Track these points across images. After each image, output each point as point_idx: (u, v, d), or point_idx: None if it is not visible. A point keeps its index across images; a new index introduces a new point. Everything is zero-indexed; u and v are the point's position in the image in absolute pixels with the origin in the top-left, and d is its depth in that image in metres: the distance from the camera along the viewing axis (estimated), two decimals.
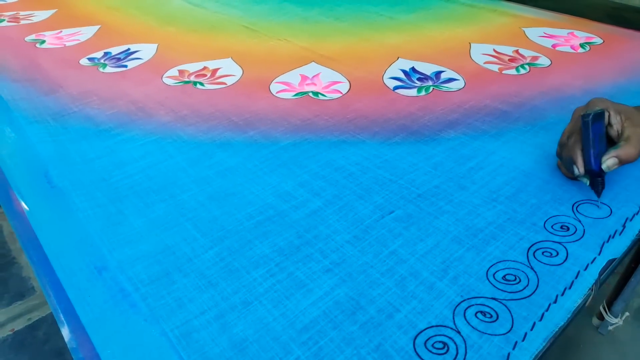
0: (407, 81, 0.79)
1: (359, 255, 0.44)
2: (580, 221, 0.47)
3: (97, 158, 0.61)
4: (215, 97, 0.76)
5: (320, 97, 0.75)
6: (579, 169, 0.49)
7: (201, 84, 0.80)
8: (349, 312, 0.39)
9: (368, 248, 0.45)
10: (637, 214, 0.48)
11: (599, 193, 0.49)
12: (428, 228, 0.47)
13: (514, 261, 0.43)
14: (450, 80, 0.79)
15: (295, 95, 0.76)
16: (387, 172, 0.56)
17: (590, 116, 0.48)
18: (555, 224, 0.47)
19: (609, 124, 0.50)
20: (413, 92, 0.76)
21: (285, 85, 0.79)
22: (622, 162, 0.48)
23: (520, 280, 0.41)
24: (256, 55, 0.92)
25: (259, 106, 0.72)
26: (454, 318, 0.38)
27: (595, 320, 0.99)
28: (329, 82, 0.80)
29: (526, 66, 0.83)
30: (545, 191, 0.52)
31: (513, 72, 0.81)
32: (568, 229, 0.47)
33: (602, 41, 0.93)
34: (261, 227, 0.48)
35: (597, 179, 0.49)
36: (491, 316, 0.38)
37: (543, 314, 0.38)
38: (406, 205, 0.51)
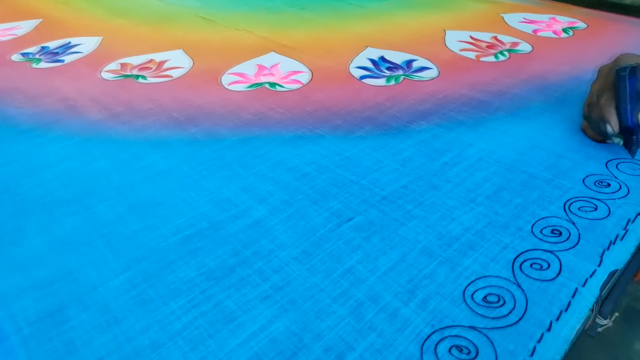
0: (376, 70, 0.71)
1: (306, 276, 0.36)
2: (574, 223, 0.40)
3: (7, 164, 0.51)
4: (157, 91, 0.67)
5: (278, 88, 0.67)
6: (614, 127, 0.46)
7: (143, 77, 0.71)
8: (289, 354, 0.30)
9: (319, 266, 0.37)
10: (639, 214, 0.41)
11: (633, 153, 0.47)
12: (393, 237, 0.39)
13: (496, 277, 0.35)
14: (422, 69, 0.71)
15: (250, 87, 0.67)
16: (348, 172, 0.48)
17: (628, 70, 0.46)
18: (545, 227, 0.39)
19: None
20: (381, 82, 0.68)
21: (239, 77, 0.70)
22: None
23: (504, 302, 0.33)
24: (210, 46, 0.83)
25: (206, 100, 0.63)
26: (422, 357, 0.30)
27: None
28: (289, 72, 0.72)
29: (506, 53, 0.76)
30: (532, 188, 0.44)
31: (491, 59, 0.74)
32: (560, 233, 0.39)
33: (586, 26, 0.86)
34: (189, 243, 0.39)
35: (632, 138, 0.46)
36: (469, 352, 0.30)
37: (534, 348, 0.30)
38: (368, 210, 0.42)
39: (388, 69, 0.72)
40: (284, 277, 0.36)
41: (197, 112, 0.60)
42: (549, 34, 0.83)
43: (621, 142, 0.49)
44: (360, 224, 0.41)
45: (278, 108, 0.61)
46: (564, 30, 0.84)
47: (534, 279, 0.35)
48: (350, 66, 0.73)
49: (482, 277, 0.35)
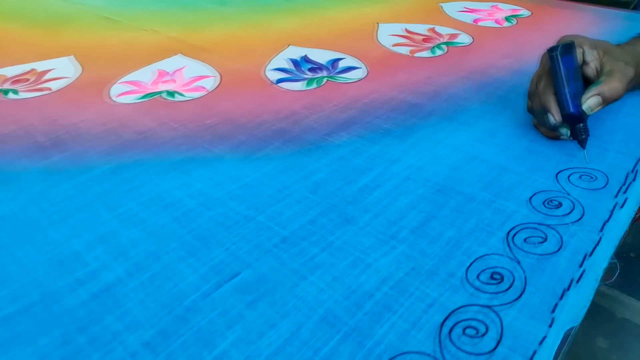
0: (295, 72, 0.61)
1: None
2: (519, 262, 0.31)
3: None
4: (26, 109, 0.54)
5: (177, 97, 0.56)
6: (554, 116, 0.40)
7: (14, 92, 0.58)
8: None
9: (178, 354, 0.26)
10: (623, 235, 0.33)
11: (583, 143, 0.41)
12: (287, 300, 0.29)
13: (417, 352, 0.26)
14: (349, 69, 0.62)
15: (142, 97, 0.56)
16: (244, 204, 0.38)
17: (558, 49, 0.40)
18: (483, 271, 0.31)
19: (584, 62, 0.42)
20: (300, 86, 0.58)
21: (132, 86, 0.59)
22: (606, 101, 0.40)
23: None
24: (107, 51, 0.71)
25: (84, 117, 0.52)
26: None
27: None
28: (193, 77, 0.61)
29: (443, 46, 0.68)
30: (467, 214, 0.36)
31: (427, 54, 0.65)
32: (502, 278, 0.30)
33: (530, 13, 0.79)
34: (4, 329, 0.28)
35: (578, 126, 0.40)
36: None
37: None
38: (261, 260, 0.32)
39: (310, 70, 0.62)
40: None
41: (68, 133, 0.49)
42: (490, 23, 0.75)
43: (568, 134, 0.41)
44: (246, 282, 0.31)
45: (171, 123, 0.50)
46: (507, 18, 0.77)
47: (466, 352, 0.26)
48: (267, 68, 0.63)
49: (399, 354, 0.26)
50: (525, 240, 0.33)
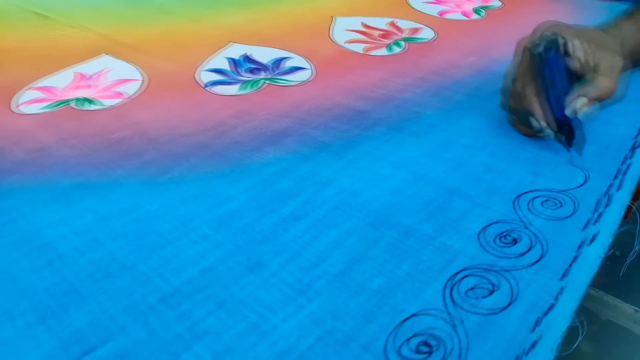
0: (232, 74, 0.54)
1: None
2: (459, 331, 0.24)
3: None
4: None
5: (89, 106, 0.48)
6: (539, 120, 0.35)
7: None
8: None
9: None
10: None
11: (569, 143, 0.35)
12: None
13: None
14: (294, 70, 0.55)
15: (49, 106, 0.48)
16: (127, 247, 0.30)
17: (542, 46, 0.35)
18: (411, 338, 0.24)
19: (566, 53, 0.36)
20: (234, 90, 0.50)
21: (43, 93, 0.51)
22: (598, 100, 0.35)
23: None
24: (25, 52, 0.63)
25: None
26: None
27: None
28: (114, 81, 0.53)
29: (402, 43, 0.60)
30: (402, 256, 0.28)
31: (383, 52, 0.58)
32: (429, 352, 0.23)
33: (501, 4, 0.72)
34: None
35: (564, 129, 0.35)
36: None
37: None
38: (127, 329, 0.25)
39: (250, 71, 0.54)
40: None
41: None
42: (457, 15, 0.68)
43: (552, 136, 0.36)
44: (105, 359, 0.24)
45: (71, 138, 0.43)
46: (475, 10, 0.70)
47: None
48: (200, 69, 0.55)
49: None
50: (468, 292, 0.26)
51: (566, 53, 0.36)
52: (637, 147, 0.38)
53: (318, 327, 0.25)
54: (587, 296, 0.34)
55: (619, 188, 0.33)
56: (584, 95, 0.35)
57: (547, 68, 0.35)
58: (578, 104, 0.35)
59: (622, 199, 0.32)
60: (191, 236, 0.31)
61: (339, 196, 0.34)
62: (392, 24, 0.66)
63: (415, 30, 0.64)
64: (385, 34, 0.63)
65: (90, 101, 0.49)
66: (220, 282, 0.28)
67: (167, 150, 0.41)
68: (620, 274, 0.35)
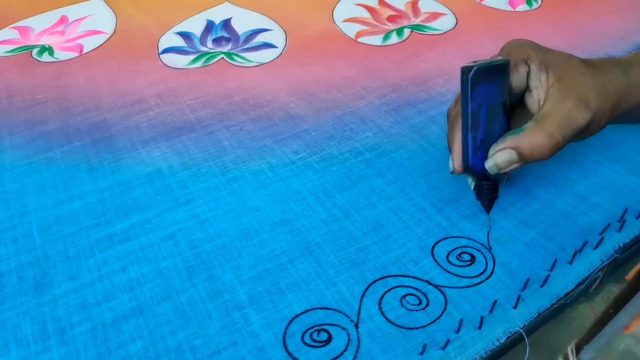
0: (194, 42, 0.49)
1: None
2: None
3: None
4: None
5: (45, 57, 0.47)
6: (453, 161, 0.28)
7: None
8: None
9: None
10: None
11: (487, 206, 0.28)
12: None
13: None
14: (261, 46, 0.48)
15: (11, 51, 0.49)
16: None
17: (473, 70, 0.25)
18: None
19: (528, 88, 0.27)
20: (183, 62, 0.46)
21: (18, 33, 0.52)
22: (523, 160, 0.26)
23: None
24: None
25: None
26: None
27: None
28: (85, 31, 0.51)
29: (406, 31, 0.50)
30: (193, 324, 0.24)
31: (376, 40, 0.49)
32: None
33: None
34: None
35: (482, 185, 0.28)
36: None
37: None
38: None
39: (215, 41, 0.49)
40: None
41: None
42: (500, 2, 0.55)
43: (473, 186, 0.29)
44: None
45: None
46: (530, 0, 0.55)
47: None
48: (170, 32, 0.51)
49: None
50: None
51: (527, 87, 0.26)
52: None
53: None
54: None
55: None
56: (513, 148, 0.25)
57: (474, 100, 0.26)
58: (502, 159, 0.25)
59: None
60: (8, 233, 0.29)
61: (184, 223, 0.30)
62: (413, 4, 0.55)
63: (435, 15, 0.52)
64: (395, 17, 0.53)
65: (49, 51, 0.48)
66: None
67: (62, 125, 0.38)
68: None
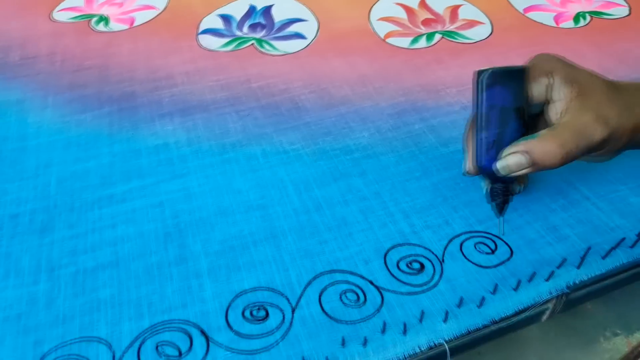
0: (231, 26, 0.52)
1: None
2: None
3: None
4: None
5: (98, 26, 0.53)
6: (466, 162, 0.29)
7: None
8: None
9: None
10: None
11: (498, 210, 0.29)
12: None
13: None
14: (291, 36, 0.50)
15: (76, 17, 0.54)
16: None
17: (487, 74, 0.27)
18: None
19: (549, 100, 0.27)
20: (218, 45, 0.49)
21: (83, 1, 0.57)
22: (534, 164, 0.26)
23: None
24: None
25: None
26: None
27: None
28: (140, 5, 0.56)
29: (436, 36, 0.50)
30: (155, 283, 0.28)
31: (405, 42, 0.49)
32: None
33: (627, 12, 0.53)
34: None
35: (495, 187, 0.29)
36: None
37: None
38: None
39: (251, 27, 0.52)
40: None
41: None
42: (546, 17, 0.53)
43: (486, 190, 0.29)
44: None
45: (58, 55, 0.48)
46: (578, 16, 0.53)
47: None
48: (215, 12, 0.55)
49: None
50: None
51: (550, 99, 0.27)
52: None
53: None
54: None
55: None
56: (525, 152, 0.26)
57: (487, 101, 0.27)
58: (512, 161, 0.26)
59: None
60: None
61: (173, 194, 0.33)
62: (453, 10, 0.54)
63: (472, 23, 0.52)
64: (430, 20, 0.52)
65: (105, 21, 0.54)
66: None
67: (97, 92, 0.43)
68: None
